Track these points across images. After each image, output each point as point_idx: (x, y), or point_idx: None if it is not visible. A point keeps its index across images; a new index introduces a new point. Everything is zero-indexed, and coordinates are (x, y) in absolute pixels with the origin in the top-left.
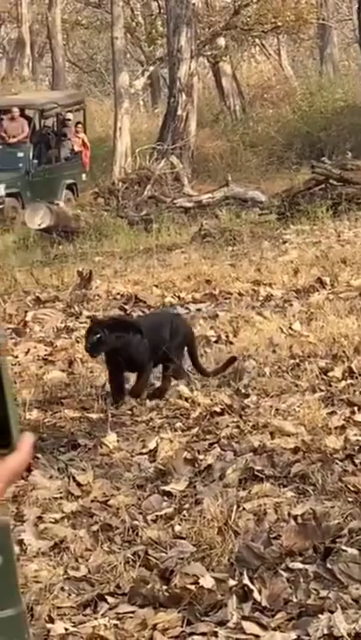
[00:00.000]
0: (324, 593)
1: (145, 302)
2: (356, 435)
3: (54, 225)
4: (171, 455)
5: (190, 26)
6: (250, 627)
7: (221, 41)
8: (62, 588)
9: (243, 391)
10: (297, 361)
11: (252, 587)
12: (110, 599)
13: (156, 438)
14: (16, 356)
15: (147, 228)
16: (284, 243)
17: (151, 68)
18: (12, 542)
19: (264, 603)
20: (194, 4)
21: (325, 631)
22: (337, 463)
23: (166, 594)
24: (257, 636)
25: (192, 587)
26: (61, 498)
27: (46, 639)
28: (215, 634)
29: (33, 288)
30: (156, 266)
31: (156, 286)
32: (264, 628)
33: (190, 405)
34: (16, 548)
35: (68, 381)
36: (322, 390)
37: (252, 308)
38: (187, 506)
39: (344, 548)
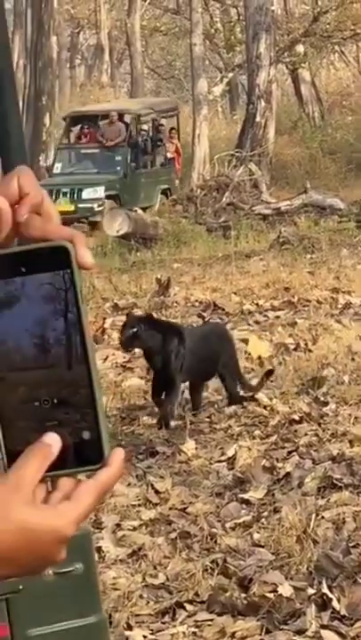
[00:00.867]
0: None
1: (223, 309)
2: None
3: (133, 232)
4: (249, 463)
5: (269, 33)
6: (329, 635)
7: (300, 48)
8: (141, 596)
9: (321, 399)
10: None
11: (330, 595)
12: (189, 607)
13: (234, 446)
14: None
15: (225, 235)
16: None
17: (230, 75)
18: (93, 550)
19: (343, 611)
20: (273, 11)
21: None
22: None
23: (245, 602)
24: None
25: (271, 595)
26: (140, 505)
27: None
28: None
29: (111, 295)
30: (235, 273)
31: (235, 293)
32: (343, 636)
33: (269, 413)
34: (95, 556)
35: (146, 389)
36: None
37: (330, 315)
38: (265, 514)
39: None
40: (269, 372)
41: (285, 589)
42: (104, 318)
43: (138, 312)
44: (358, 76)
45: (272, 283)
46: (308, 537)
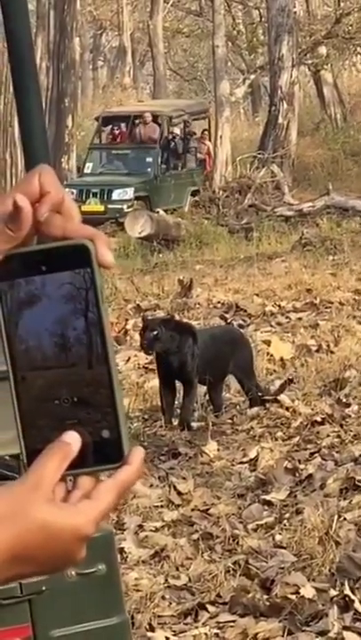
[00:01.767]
0: None
1: (245, 311)
2: None
3: (155, 233)
4: (271, 464)
5: (292, 34)
6: (351, 637)
7: (323, 49)
8: (163, 597)
9: (344, 400)
10: None
11: (353, 597)
12: (211, 608)
13: (256, 447)
14: (117, 365)
15: (247, 237)
16: None
17: (252, 77)
18: (115, 551)
19: None
20: (295, 13)
21: None
22: None
23: (267, 603)
24: None
25: (293, 596)
26: (162, 506)
27: None
28: None
29: (133, 296)
30: (257, 274)
31: (257, 295)
32: None
33: (291, 414)
34: (117, 557)
35: None
36: None
37: (353, 317)
38: (287, 515)
39: None
40: (289, 380)
41: (308, 591)
42: (126, 319)
43: (155, 315)
44: None
45: (294, 284)
46: (330, 538)
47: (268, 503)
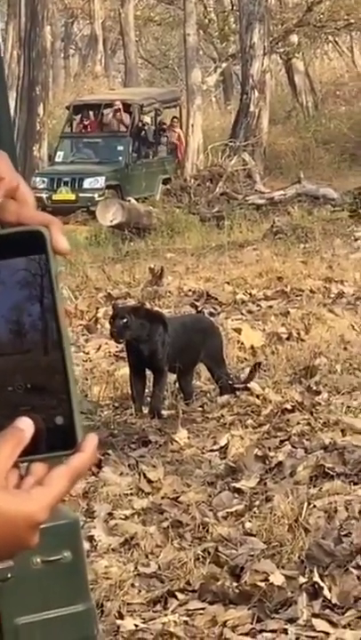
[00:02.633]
0: None
1: (216, 299)
2: None
3: (126, 221)
4: (241, 452)
5: (263, 23)
6: (320, 624)
7: (294, 38)
8: (132, 585)
9: (314, 388)
10: None
11: (322, 584)
12: (180, 596)
13: (226, 435)
14: (87, 353)
15: (218, 225)
16: (356, 240)
17: (224, 65)
18: (81, 538)
19: (334, 600)
20: (267, 1)
21: None
22: None
23: (236, 591)
24: (327, 634)
25: (262, 584)
26: (132, 494)
27: (116, 635)
28: (285, 631)
29: (104, 284)
30: (228, 263)
31: (228, 283)
32: (334, 625)
33: (261, 402)
34: (86, 545)
35: None
36: None
37: (323, 305)
38: (257, 503)
39: None
40: (257, 365)
41: (277, 578)
42: (97, 308)
43: (126, 303)
44: (352, 66)
45: (265, 272)
46: (299, 526)
47: (238, 491)
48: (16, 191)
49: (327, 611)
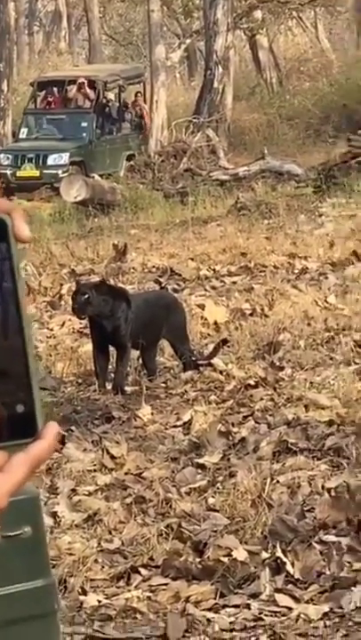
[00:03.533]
0: (357, 565)
1: (180, 275)
2: None
3: (90, 198)
4: (205, 428)
5: None
6: (283, 599)
7: (258, 14)
8: (96, 561)
9: (277, 364)
10: (332, 334)
11: (285, 559)
12: (143, 571)
13: (190, 411)
14: (51, 329)
15: (183, 201)
16: (320, 216)
17: (188, 41)
18: (41, 514)
19: (297, 575)
20: None
21: (358, 604)
22: None
23: (199, 566)
24: (290, 609)
25: (225, 559)
26: (95, 470)
27: (79, 611)
28: (248, 606)
29: (68, 261)
30: (192, 239)
31: (192, 259)
32: (297, 600)
33: (225, 378)
34: (50, 521)
35: None
36: (357, 363)
37: (287, 281)
38: (220, 478)
39: None
40: (223, 342)
41: (240, 553)
42: (61, 284)
43: (90, 279)
44: (316, 42)
45: (229, 248)
46: (262, 501)
47: (202, 467)
48: None
49: (290, 586)
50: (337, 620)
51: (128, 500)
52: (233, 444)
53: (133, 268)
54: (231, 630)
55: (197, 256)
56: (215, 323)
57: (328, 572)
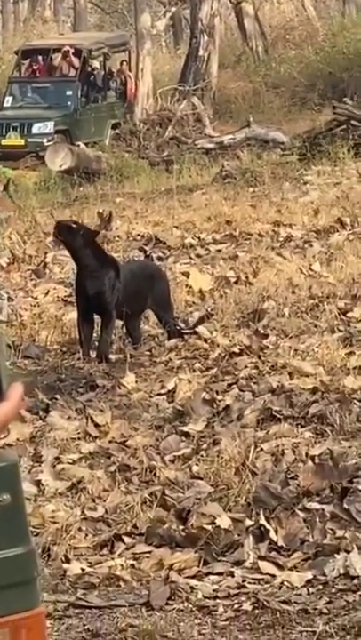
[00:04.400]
0: (340, 533)
1: (165, 243)
2: None
3: (75, 166)
4: (189, 396)
5: None
6: (266, 566)
7: None
8: (79, 529)
9: (262, 332)
10: (316, 301)
11: (268, 527)
12: (127, 539)
13: (174, 379)
14: (36, 298)
15: (168, 169)
16: (305, 184)
17: (173, 9)
18: (20, 481)
19: (280, 543)
20: None
21: (341, 571)
22: (355, 403)
23: (183, 534)
24: (273, 576)
25: (209, 527)
26: (79, 439)
27: (62, 579)
28: (231, 573)
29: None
30: (177, 207)
31: (177, 227)
32: (280, 567)
33: (209, 346)
34: (34, 489)
35: None
36: (341, 331)
37: (271, 248)
38: (204, 446)
39: None
40: (208, 315)
41: (223, 521)
42: (45, 253)
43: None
44: (302, 10)
45: (214, 216)
46: (246, 469)
47: (186, 434)
48: None
49: (273, 553)
50: (320, 587)
51: (112, 468)
52: (217, 411)
53: (118, 237)
54: (214, 598)
55: (182, 224)
56: (200, 291)
57: (311, 540)
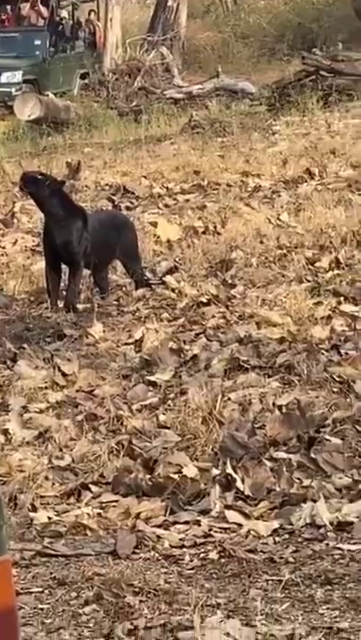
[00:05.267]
0: (307, 482)
1: (133, 193)
2: (341, 325)
3: (44, 116)
4: (156, 345)
5: None
6: (233, 515)
7: None
8: (46, 477)
9: (229, 282)
10: (284, 252)
11: (235, 476)
12: (94, 488)
13: (142, 328)
14: (3, 247)
15: (136, 120)
16: (274, 134)
17: None
18: None
19: (247, 492)
20: None
21: (308, 520)
22: (322, 353)
23: (150, 483)
24: (240, 525)
25: (175, 476)
26: (47, 388)
27: (29, 528)
28: (198, 522)
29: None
30: (145, 157)
31: (145, 177)
32: (247, 516)
33: (177, 296)
34: (1, 438)
35: None
36: (308, 281)
37: (240, 199)
38: (172, 396)
39: (328, 437)
40: (175, 268)
41: (190, 470)
42: (14, 202)
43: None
44: None
45: (182, 166)
46: (213, 418)
47: (153, 384)
48: None
49: (240, 502)
50: (286, 536)
51: (79, 418)
52: (184, 361)
53: (87, 186)
54: (181, 547)
55: (151, 174)
56: (168, 240)
57: (278, 489)
